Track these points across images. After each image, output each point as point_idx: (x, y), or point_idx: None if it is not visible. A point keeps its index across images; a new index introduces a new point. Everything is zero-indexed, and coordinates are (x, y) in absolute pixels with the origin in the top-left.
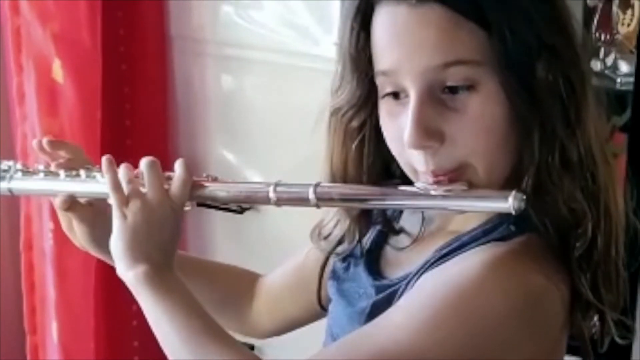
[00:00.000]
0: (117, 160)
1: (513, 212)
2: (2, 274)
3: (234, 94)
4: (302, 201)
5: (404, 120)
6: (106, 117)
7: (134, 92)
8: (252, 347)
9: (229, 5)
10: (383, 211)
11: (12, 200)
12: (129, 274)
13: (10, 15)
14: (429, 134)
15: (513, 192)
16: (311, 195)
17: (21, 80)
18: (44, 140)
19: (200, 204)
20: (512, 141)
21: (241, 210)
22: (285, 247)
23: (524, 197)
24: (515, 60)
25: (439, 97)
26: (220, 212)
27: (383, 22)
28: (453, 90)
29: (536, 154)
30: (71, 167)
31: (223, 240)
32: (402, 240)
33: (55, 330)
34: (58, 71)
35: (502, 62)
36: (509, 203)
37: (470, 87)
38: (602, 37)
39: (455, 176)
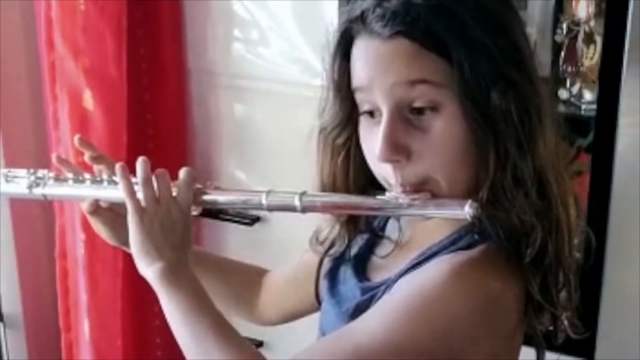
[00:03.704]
0: None
1: (469, 218)
2: (41, 279)
3: (245, 121)
4: (290, 207)
5: (378, 137)
6: (131, 141)
7: (156, 118)
8: (261, 343)
9: (240, 42)
10: (369, 221)
11: (49, 215)
12: (148, 271)
13: (47, 50)
14: (397, 148)
15: (469, 201)
16: (297, 203)
17: (56, 107)
18: (76, 138)
19: (212, 216)
20: (471, 158)
21: (251, 222)
22: (294, 257)
23: (479, 205)
24: (472, 88)
25: (407, 117)
26: (231, 225)
27: (359, 51)
28: (419, 111)
29: (491, 171)
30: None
31: (234, 251)
32: (385, 248)
33: (87, 329)
34: (88, 100)
35: (461, 90)
36: (465, 210)
37: (434, 108)
38: (569, 69)
39: (421, 188)
